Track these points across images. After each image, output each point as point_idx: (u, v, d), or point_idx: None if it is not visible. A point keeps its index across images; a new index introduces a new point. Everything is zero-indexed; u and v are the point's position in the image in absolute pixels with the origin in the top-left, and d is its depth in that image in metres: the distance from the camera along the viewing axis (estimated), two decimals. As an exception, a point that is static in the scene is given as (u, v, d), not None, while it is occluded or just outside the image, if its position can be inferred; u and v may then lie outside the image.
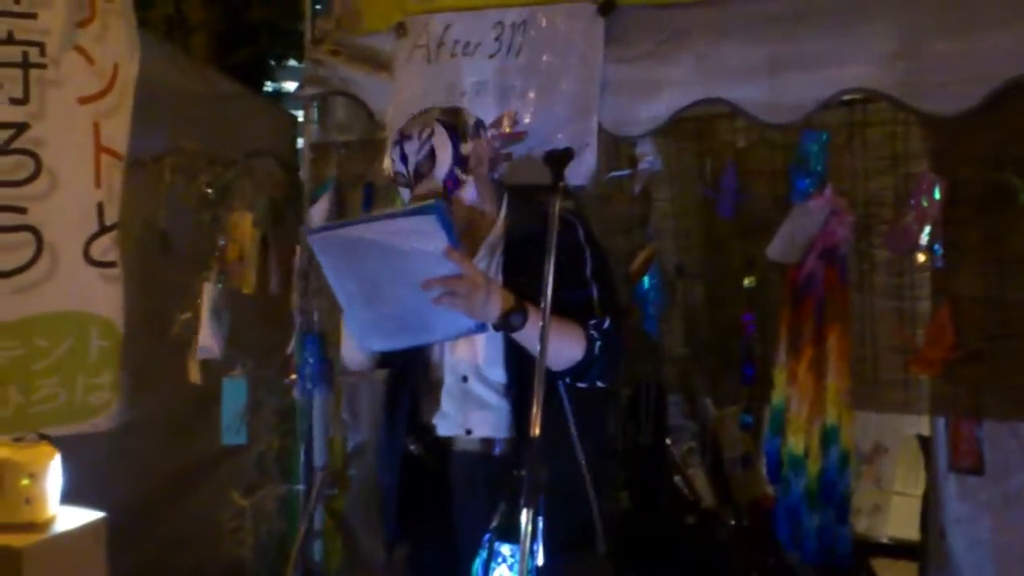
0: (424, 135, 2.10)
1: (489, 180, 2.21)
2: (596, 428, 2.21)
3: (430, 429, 2.21)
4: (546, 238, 1.90)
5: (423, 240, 1.85)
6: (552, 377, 2.03)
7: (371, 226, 1.90)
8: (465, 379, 2.17)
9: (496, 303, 1.92)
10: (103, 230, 2.95)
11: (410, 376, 2.24)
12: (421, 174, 2.11)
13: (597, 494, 2.13)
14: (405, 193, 2.21)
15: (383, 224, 1.89)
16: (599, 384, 2.12)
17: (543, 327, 1.84)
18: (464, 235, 2.12)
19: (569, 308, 2.02)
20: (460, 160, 2.11)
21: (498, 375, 2.13)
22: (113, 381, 3.04)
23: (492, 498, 2.07)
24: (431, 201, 1.90)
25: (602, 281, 2.13)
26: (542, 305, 1.85)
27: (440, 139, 2.10)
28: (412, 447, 2.22)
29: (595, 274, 2.13)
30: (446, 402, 2.19)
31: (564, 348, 2.01)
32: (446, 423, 2.19)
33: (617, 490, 2.59)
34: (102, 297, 2.99)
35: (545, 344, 1.83)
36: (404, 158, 2.12)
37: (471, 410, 2.16)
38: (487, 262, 2.15)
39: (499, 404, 2.14)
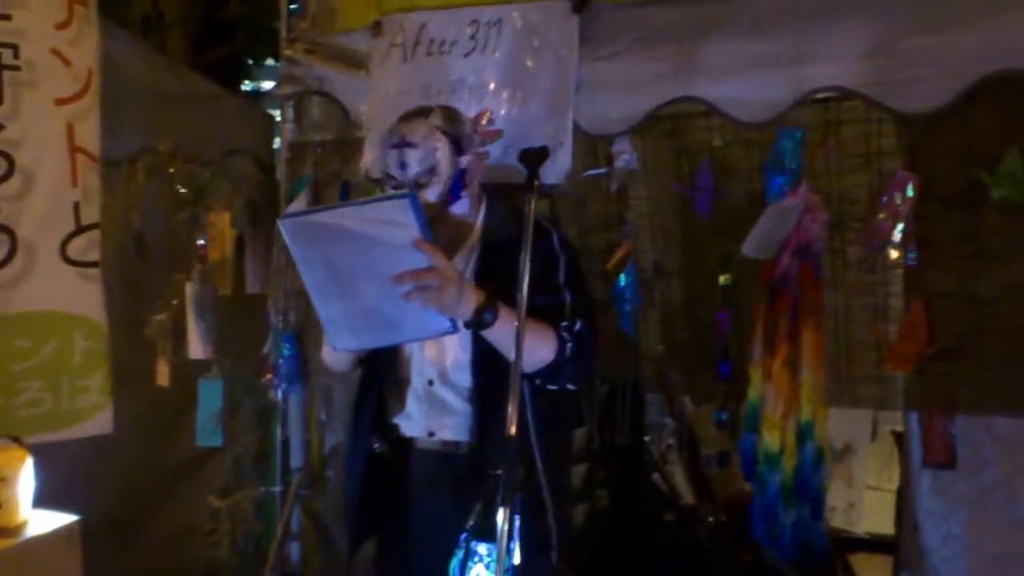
0: (428, 146, 2.07)
1: (477, 187, 2.20)
2: (556, 437, 2.20)
3: (394, 428, 2.21)
4: (521, 238, 1.89)
5: (395, 229, 1.82)
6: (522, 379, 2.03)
7: (343, 211, 1.88)
8: (431, 383, 2.16)
9: (469, 299, 1.90)
10: (80, 230, 2.95)
11: (378, 375, 2.23)
12: (420, 185, 2.07)
13: (553, 502, 2.12)
14: None
15: (355, 210, 1.87)
16: (569, 387, 2.12)
17: (519, 325, 1.83)
18: (445, 242, 2.11)
19: (541, 313, 2.01)
20: (459, 174, 2.10)
21: (464, 379, 2.13)
22: (102, 384, 3.03)
23: (455, 497, 2.08)
24: (405, 190, 1.88)
25: (575, 287, 2.12)
26: (518, 302, 1.84)
27: (444, 152, 2.08)
28: (376, 446, 2.21)
29: (568, 280, 2.11)
30: (411, 403, 2.19)
31: (535, 350, 1.99)
32: (409, 424, 2.19)
33: (574, 501, 2.58)
34: (83, 297, 2.99)
35: (521, 341, 1.82)
36: (404, 165, 2.08)
37: (435, 414, 2.16)
38: (463, 266, 2.14)
39: (463, 409, 2.14)
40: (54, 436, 2.92)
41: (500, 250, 2.09)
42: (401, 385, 2.21)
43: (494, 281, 2.03)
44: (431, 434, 2.17)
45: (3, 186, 2.82)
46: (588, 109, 2.69)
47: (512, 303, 1.88)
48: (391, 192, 2.00)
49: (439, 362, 2.16)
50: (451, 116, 2.16)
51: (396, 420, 2.21)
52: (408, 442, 2.20)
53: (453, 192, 2.10)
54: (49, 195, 2.91)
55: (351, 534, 2.32)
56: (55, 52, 2.89)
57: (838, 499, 3.63)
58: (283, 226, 1.90)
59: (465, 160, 2.12)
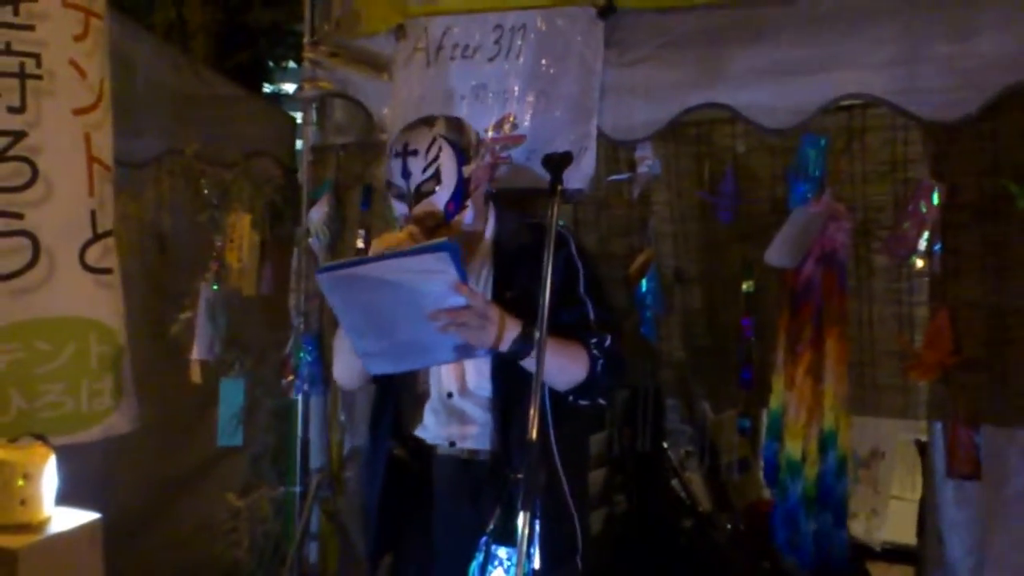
0: (431, 154, 2.05)
1: (482, 197, 2.19)
2: (576, 445, 2.21)
3: (413, 438, 2.21)
4: (544, 241, 1.90)
5: (433, 276, 1.87)
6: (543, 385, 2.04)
7: (382, 264, 1.90)
8: (450, 395, 2.16)
9: (508, 333, 1.93)
10: (96, 237, 2.97)
11: (394, 389, 2.23)
12: (423, 194, 2.06)
13: (577, 508, 2.13)
14: (399, 207, 2.14)
15: (395, 263, 1.90)
16: (600, 401, 2.13)
17: (540, 336, 1.84)
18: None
19: (567, 327, 2.03)
20: (462, 183, 2.08)
21: (484, 389, 2.12)
22: (114, 387, 3.05)
23: (475, 502, 2.08)
24: (443, 240, 1.90)
25: (596, 296, 2.12)
26: (540, 306, 1.85)
27: (446, 160, 2.06)
28: (396, 451, 2.21)
29: (588, 290, 2.12)
30: (428, 416, 2.18)
31: (568, 369, 2.02)
32: (428, 435, 2.19)
33: (592, 506, 2.58)
34: (99, 303, 3.01)
35: (543, 350, 1.84)
36: (407, 174, 2.06)
37: (454, 425, 2.16)
38: (476, 276, 2.14)
39: (483, 419, 2.13)
40: (72, 439, 2.93)
41: (515, 260, 2.09)
42: (419, 398, 2.20)
43: (511, 291, 2.04)
44: (452, 444, 2.17)
45: (27, 193, 2.84)
46: (611, 114, 2.69)
47: (530, 313, 1.89)
48: (429, 243, 1.97)
49: (458, 374, 2.15)
50: (455, 125, 2.14)
51: (415, 432, 2.21)
52: (429, 448, 2.20)
53: (455, 199, 2.08)
54: (68, 202, 2.93)
55: (371, 546, 2.31)
56: (73, 63, 2.91)
57: (861, 506, 3.62)
58: (322, 279, 1.94)
59: (468, 169, 2.09)
